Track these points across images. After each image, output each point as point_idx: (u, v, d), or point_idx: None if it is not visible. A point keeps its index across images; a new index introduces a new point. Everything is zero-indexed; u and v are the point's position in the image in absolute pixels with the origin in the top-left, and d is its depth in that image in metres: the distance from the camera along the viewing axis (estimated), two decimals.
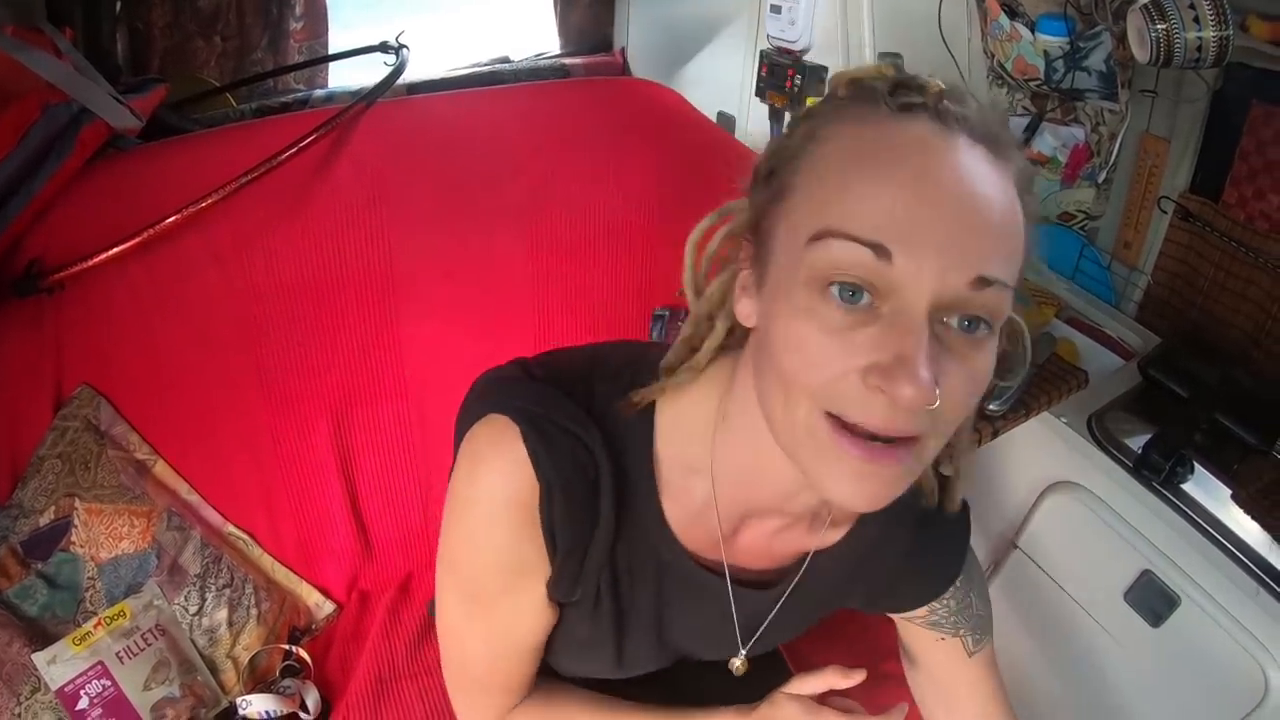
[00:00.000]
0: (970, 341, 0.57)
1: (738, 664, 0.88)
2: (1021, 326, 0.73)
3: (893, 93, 0.58)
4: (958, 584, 0.91)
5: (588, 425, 0.73)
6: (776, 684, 0.86)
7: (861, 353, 0.55)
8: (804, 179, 0.60)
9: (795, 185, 0.60)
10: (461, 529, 0.75)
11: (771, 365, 0.60)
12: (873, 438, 0.57)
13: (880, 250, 0.54)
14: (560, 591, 0.78)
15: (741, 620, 0.84)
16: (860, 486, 0.59)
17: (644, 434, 0.75)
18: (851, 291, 0.55)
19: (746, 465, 0.73)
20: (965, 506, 0.88)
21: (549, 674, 0.93)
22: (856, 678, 0.82)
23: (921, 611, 0.92)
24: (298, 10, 1.66)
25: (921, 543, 0.86)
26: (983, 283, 0.55)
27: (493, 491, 0.72)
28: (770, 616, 0.85)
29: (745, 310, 0.67)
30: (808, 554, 0.83)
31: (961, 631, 0.92)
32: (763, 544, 0.81)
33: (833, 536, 0.83)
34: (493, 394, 0.75)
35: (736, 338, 0.73)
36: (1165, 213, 1.58)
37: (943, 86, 0.58)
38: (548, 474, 0.70)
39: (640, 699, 0.93)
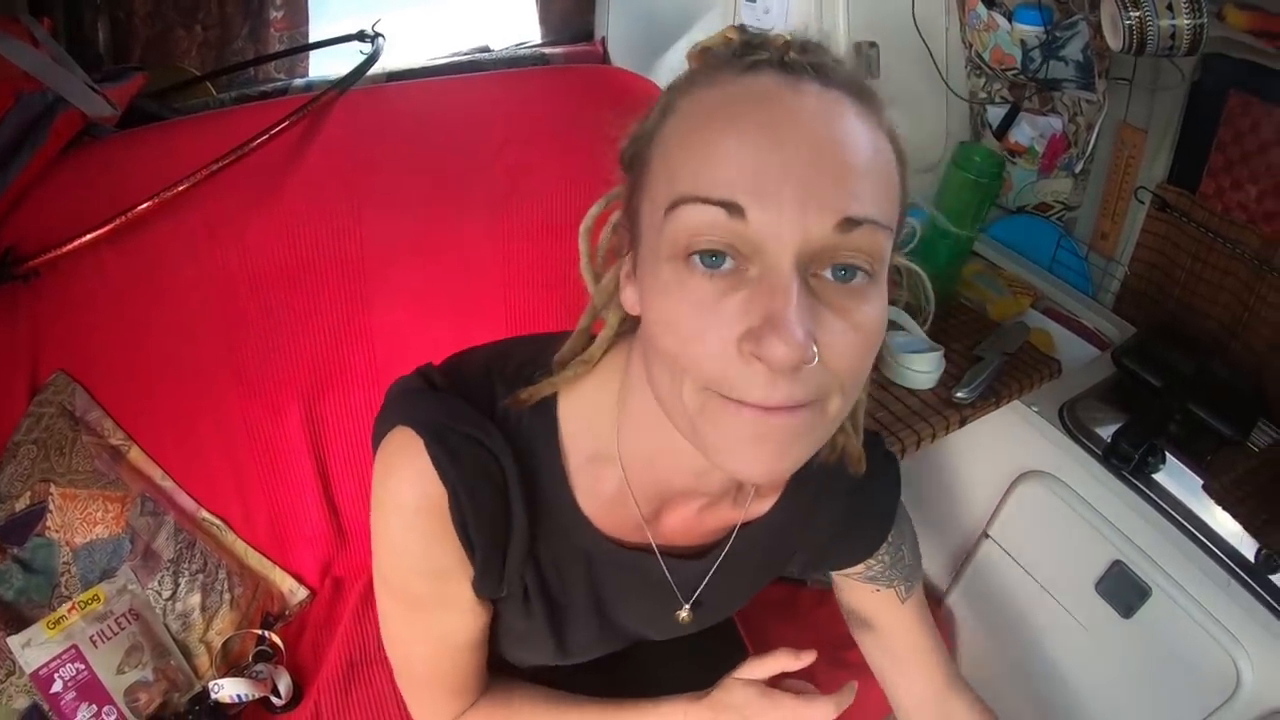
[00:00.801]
0: (849, 291, 0.54)
1: (683, 615, 0.87)
2: (918, 272, 0.72)
3: (738, 53, 0.57)
4: (890, 539, 0.92)
5: (489, 428, 0.73)
6: (736, 661, 0.88)
7: (733, 321, 0.53)
8: (658, 153, 0.58)
9: (651, 162, 0.59)
10: (382, 539, 0.76)
11: (654, 349, 0.59)
12: (767, 408, 0.55)
13: (732, 208, 0.52)
14: (486, 589, 0.78)
15: (679, 584, 0.85)
16: (759, 454, 0.56)
17: (547, 429, 0.75)
18: (713, 256, 0.53)
19: (653, 450, 0.73)
20: (894, 460, 0.91)
21: (505, 666, 0.94)
22: (807, 659, 0.84)
23: (859, 568, 0.93)
24: (278, 0, 1.66)
25: (855, 505, 0.87)
26: (850, 224, 0.52)
27: (402, 501, 0.72)
28: (707, 579, 0.85)
29: (629, 299, 0.66)
30: (737, 526, 0.84)
31: (895, 582, 0.93)
32: (690, 522, 0.81)
33: (761, 507, 0.84)
34: (397, 406, 0.75)
35: (631, 324, 0.72)
36: (1142, 203, 1.58)
37: (789, 38, 0.58)
38: (452, 480, 0.70)
39: (596, 686, 0.94)
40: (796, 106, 0.54)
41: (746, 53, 0.57)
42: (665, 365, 0.58)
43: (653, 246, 0.58)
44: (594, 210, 0.70)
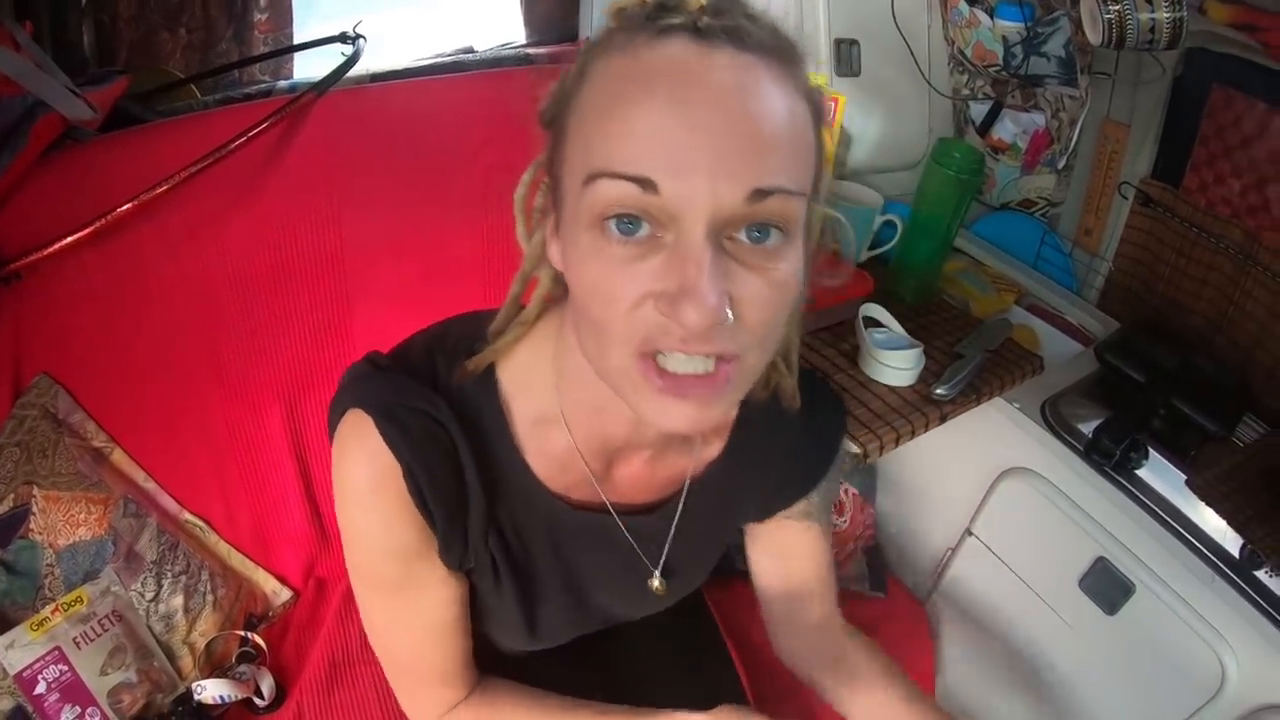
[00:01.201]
0: (763, 252, 0.57)
1: (655, 584, 0.89)
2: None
3: (651, 15, 0.57)
4: (829, 473, 0.95)
5: (434, 400, 0.74)
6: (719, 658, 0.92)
7: (649, 283, 0.56)
8: (574, 121, 0.60)
9: (569, 129, 0.60)
10: (347, 526, 0.77)
11: (579, 312, 0.62)
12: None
13: (645, 183, 0.54)
14: (453, 559, 0.79)
15: (643, 546, 0.87)
16: (681, 411, 0.60)
17: (490, 397, 0.77)
18: (629, 222, 0.56)
19: (591, 405, 0.75)
20: (829, 392, 0.96)
21: (493, 666, 0.94)
22: None
23: (800, 505, 0.95)
24: (262, 2, 1.67)
25: (799, 439, 0.89)
26: (760, 194, 0.54)
27: (358, 483, 0.73)
28: (671, 535, 0.87)
29: (555, 255, 0.68)
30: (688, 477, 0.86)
31: (821, 515, 0.96)
32: (643, 476, 0.84)
33: (710, 452, 0.86)
34: (346, 392, 0.76)
35: (562, 289, 0.73)
36: (1126, 199, 1.58)
37: (703, 1, 0.57)
38: (404, 453, 0.71)
39: (586, 685, 0.94)
40: (708, 78, 0.54)
41: (660, 15, 0.57)
42: (591, 327, 0.61)
43: (572, 213, 0.59)
44: (526, 178, 0.71)
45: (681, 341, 0.57)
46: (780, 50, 0.58)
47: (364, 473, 0.72)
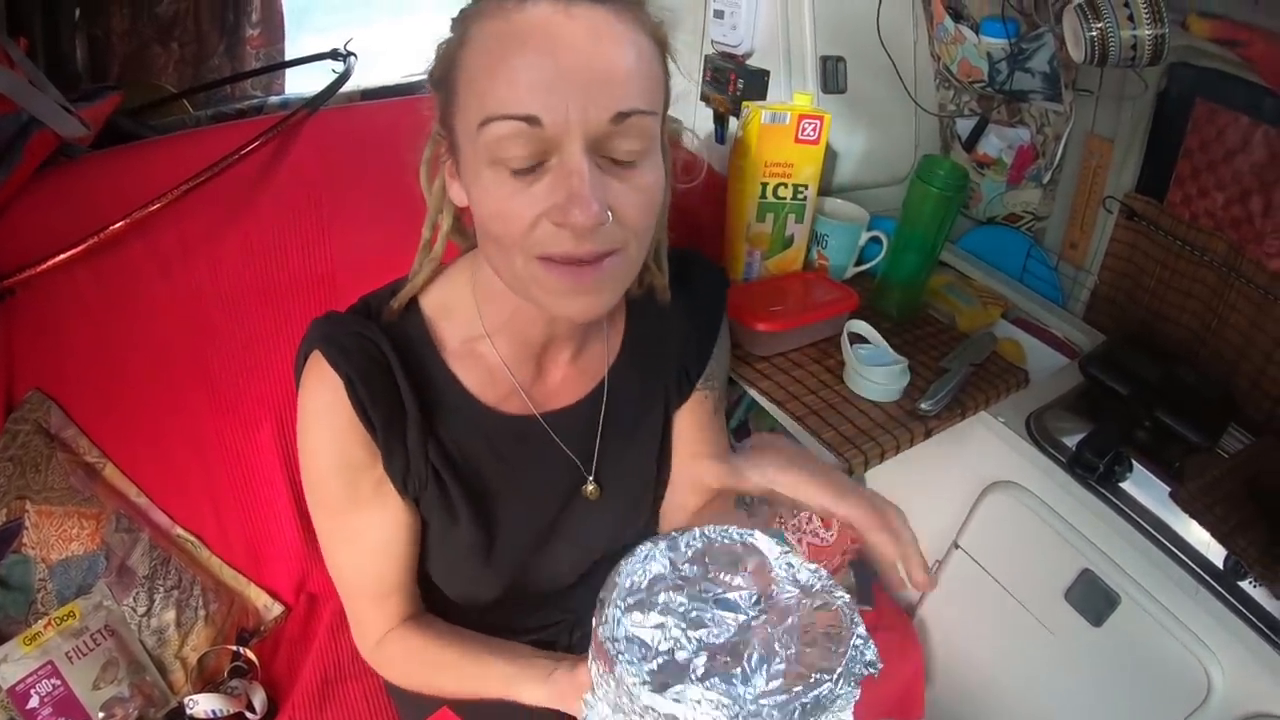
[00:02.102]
0: (630, 164, 0.71)
1: (589, 489, 0.99)
2: (683, 125, 0.96)
3: None
4: (721, 339, 1.07)
5: (368, 325, 0.86)
6: None
7: (540, 200, 0.69)
8: (463, 79, 0.71)
9: (459, 86, 0.72)
10: (304, 450, 0.87)
11: (486, 235, 0.76)
12: (580, 262, 0.72)
13: (530, 120, 0.66)
14: (396, 472, 0.88)
15: (574, 447, 0.98)
16: (579, 300, 0.75)
17: (417, 324, 0.90)
18: (519, 159, 0.68)
19: (507, 314, 0.87)
20: (705, 261, 1.08)
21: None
22: None
23: (710, 368, 1.06)
24: (254, 17, 1.68)
25: (690, 306, 1.02)
26: (621, 116, 0.68)
27: (311, 404, 0.84)
28: (600, 430, 0.98)
29: (456, 193, 0.82)
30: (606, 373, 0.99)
31: (714, 382, 1.08)
32: (570, 376, 0.97)
33: (615, 341, 1.00)
34: (301, 345, 0.87)
35: (462, 230, 0.90)
36: (1111, 212, 1.58)
37: None
38: (343, 367, 0.82)
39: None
40: (570, 30, 0.67)
41: None
42: (497, 246, 0.75)
43: (471, 155, 0.73)
44: (427, 153, 0.85)
45: (573, 243, 0.70)
46: (626, 1, 0.71)
47: (316, 396, 0.83)
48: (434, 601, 1.00)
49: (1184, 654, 1.21)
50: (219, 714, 1.25)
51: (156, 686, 1.27)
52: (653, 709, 0.60)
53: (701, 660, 0.63)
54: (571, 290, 0.74)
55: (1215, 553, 1.23)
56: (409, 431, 0.87)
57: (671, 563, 0.70)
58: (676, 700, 0.59)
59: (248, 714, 1.27)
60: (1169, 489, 1.28)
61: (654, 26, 0.74)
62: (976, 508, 1.48)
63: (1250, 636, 1.16)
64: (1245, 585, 1.20)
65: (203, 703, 1.25)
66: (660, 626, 0.65)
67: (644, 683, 0.60)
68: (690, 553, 0.71)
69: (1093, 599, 1.31)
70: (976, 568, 1.50)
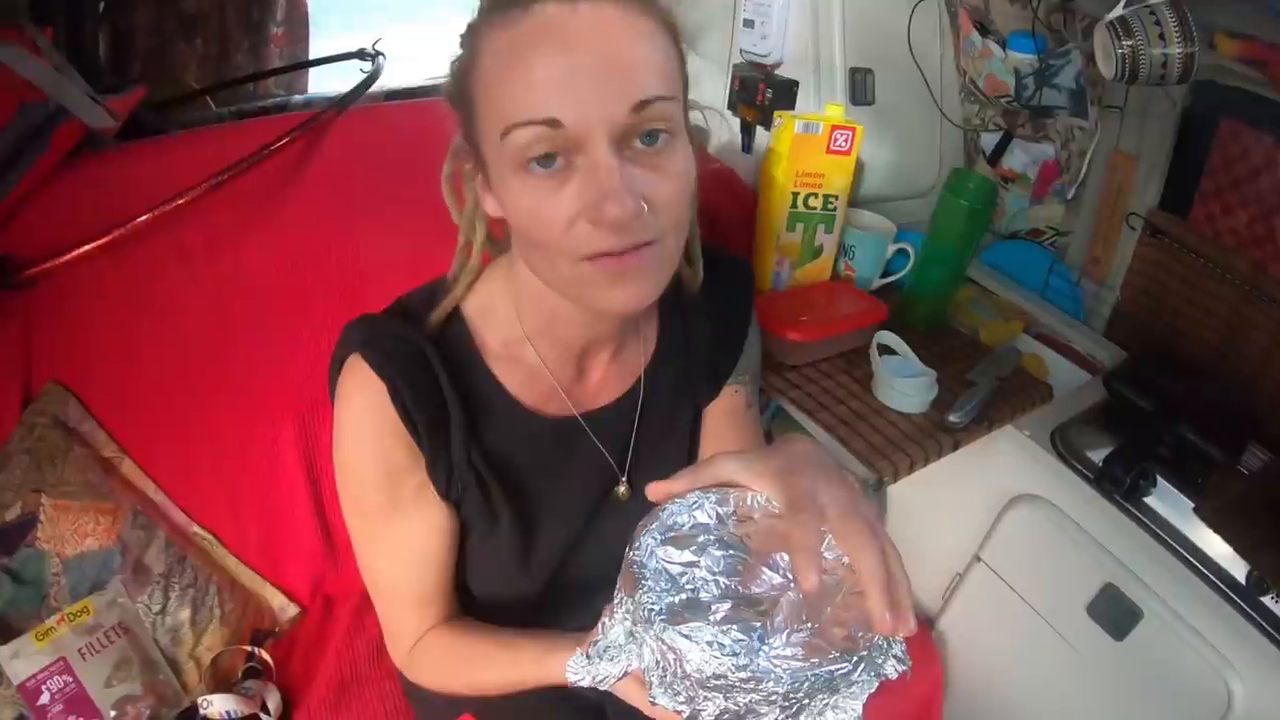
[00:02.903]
0: (656, 152, 0.70)
1: (621, 490, 0.99)
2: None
3: None
4: (750, 335, 1.07)
5: (409, 328, 0.86)
6: None
7: (574, 202, 0.69)
8: (480, 91, 0.71)
9: (476, 98, 0.72)
10: (342, 458, 0.86)
11: (525, 240, 0.76)
12: (621, 254, 0.71)
13: (551, 123, 0.66)
14: (439, 476, 0.87)
15: (610, 445, 0.97)
16: (624, 291, 0.74)
17: (458, 327, 0.89)
18: (546, 159, 0.68)
19: (548, 316, 0.87)
20: (737, 262, 1.07)
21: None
22: None
23: (741, 363, 1.06)
24: (279, 15, 1.67)
25: (719, 307, 1.02)
26: (642, 104, 0.67)
27: (353, 409, 0.83)
28: (635, 427, 0.98)
29: (490, 205, 0.80)
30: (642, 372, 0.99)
31: (745, 379, 1.08)
32: (609, 375, 0.96)
33: (651, 337, 1.00)
34: (337, 348, 0.87)
35: (506, 239, 0.89)
36: (1134, 229, 1.59)
37: None
38: (387, 372, 0.81)
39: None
40: (577, 29, 0.67)
41: None
42: (539, 251, 0.74)
43: (498, 165, 0.72)
44: (447, 169, 0.85)
45: (613, 239, 0.69)
46: None
47: (357, 401, 0.83)
48: (463, 603, 1.00)
49: (1205, 669, 1.21)
50: (233, 715, 1.23)
51: (170, 686, 1.25)
52: (662, 640, 0.58)
53: (725, 606, 0.61)
54: (616, 279, 0.73)
55: (1238, 568, 1.23)
56: (453, 436, 0.86)
57: (719, 516, 0.68)
58: (688, 637, 0.58)
59: (262, 715, 1.25)
60: (1192, 504, 1.28)
61: (663, 14, 0.73)
62: (999, 521, 1.47)
63: (1272, 652, 1.16)
64: (1267, 601, 1.20)
65: (217, 703, 1.22)
66: (692, 565, 0.64)
67: (659, 613, 0.60)
68: (741, 511, 0.69)
69: (1115, 613, 1.31)
70: (998, 580, 1.49)
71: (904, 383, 1.33)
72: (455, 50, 0.75)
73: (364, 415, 0.82)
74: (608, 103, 0.66)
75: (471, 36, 0.72)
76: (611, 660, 0.64)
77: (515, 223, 0.75)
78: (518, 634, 0.92)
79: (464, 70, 0.73)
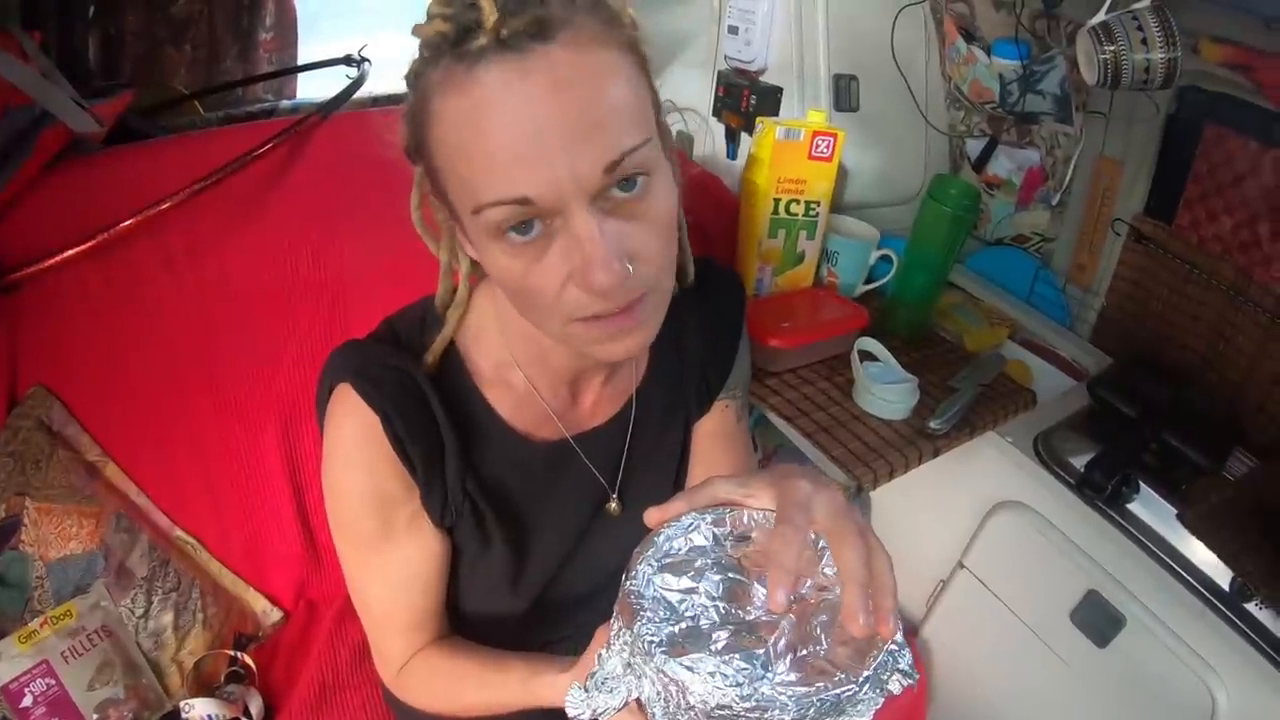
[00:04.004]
0: (637, 198, 0.66)
1: (612, 507, 0.97)
2: (682, 139, 0.86)
3: (456, 42, 0.62)
4: (741, 348, 1.04)
5: (401, 356, 0.84)
6: None
7: (558, 270, 0.66)
8: (443, 161, 0.67)
9: (442, 168, 0.68)
10: (332, 485, 0.84)
11: (514, 299, 0.73)
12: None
13: (522, 201, 0.62)
14: (434, 505, 0.85)
15: (601, 466, 0.95)
16: (621, 344, 0.72)
17: (451, 352, 0.87)
18: (522, 227, 0.65)
19: (537, 351, 0.86)
20: (727, 273, 1.05)
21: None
22: None
23: (732, 377, 1.04)
24: (268, 21, 1.68)
25: (709, 317, 1.00)
26: (614, 164, 0.63)
27: (343, 439, 0.81)
28: (627, 446, 0.96)
29: (471, 252, 0.78)
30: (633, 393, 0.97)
31: (736, 393, 1.06)
32: (601, 398, 0.94)
33: (642, 358, 0.98)
34: (325, 374, 0.84)
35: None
36: (1119, 235, 1.59)
37: (495, 12, 0.60)
38: (379, 403, 0.79)
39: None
40: (531, 92, 0.61)
41: (464, 40, 0.62)
42: (529, 310, 0.73)
43: (474, 231, 0.69)
44: (416, 213, 0.81)
45: (604, 303, 0.67)
46: (580, 24, 0.63)
47: (348, 431, 0.80)
48: (451, 621, 0.98)
49: (1189, 676, 1.20)
50: (215, 719, 1.23)
51: (152, 689, 1.25)
52: (664, 673, 0.57)
53: (725, 634, 0.60)
54: (613, 337, 0.71)
55: (1221, 574, 1.23)
56: (448, 465, 0.84)
57: (715, 538, 0.66)
58: (689, 669, 0.57)
59: None
60: (1176, 511, 1.28)
61: (623, 36, 0.67)
62: (982, 527, 1.47)
63: (1256, 659, 1.16)
64: (1251, 607, 1.20)
65: (199, 707, 1.23)
66: (690, 592, 0.63)
67: (660, 644, 0.58)
68: (737, 531, 0.67)
69: (1098, 620, 1.31)
70: (981, 587, 1.49)
71: (885, 389, 1.33)
72: (406, 93, 0.70)
73: (355, 445, 0.80)
74: (579, 169, 0.62)
75: (419, 88, 0.67)
76: (610, 692, 0.63)
77: (502, 285, 0.73)
78: (505, 656, 0.91)
79: (418, 128, 0.68)
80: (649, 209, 0.67)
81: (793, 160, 1.43)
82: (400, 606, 0.91)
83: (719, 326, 1.02)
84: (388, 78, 1.70)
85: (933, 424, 1.30)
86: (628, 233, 0.66)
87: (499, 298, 0.84)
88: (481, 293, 0.88)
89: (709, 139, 1.66)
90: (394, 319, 0.90)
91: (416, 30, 0.65)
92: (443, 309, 0.86)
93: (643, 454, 0.98)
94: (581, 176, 0.62)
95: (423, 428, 0.81)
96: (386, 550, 0.86)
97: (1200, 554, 1.25)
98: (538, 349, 0.85)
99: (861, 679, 0.57)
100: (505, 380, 0.88)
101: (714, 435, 1.04)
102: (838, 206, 1.68)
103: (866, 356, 1.40)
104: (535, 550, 0.94)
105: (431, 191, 0.74)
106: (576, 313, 0.68)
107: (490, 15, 0.60)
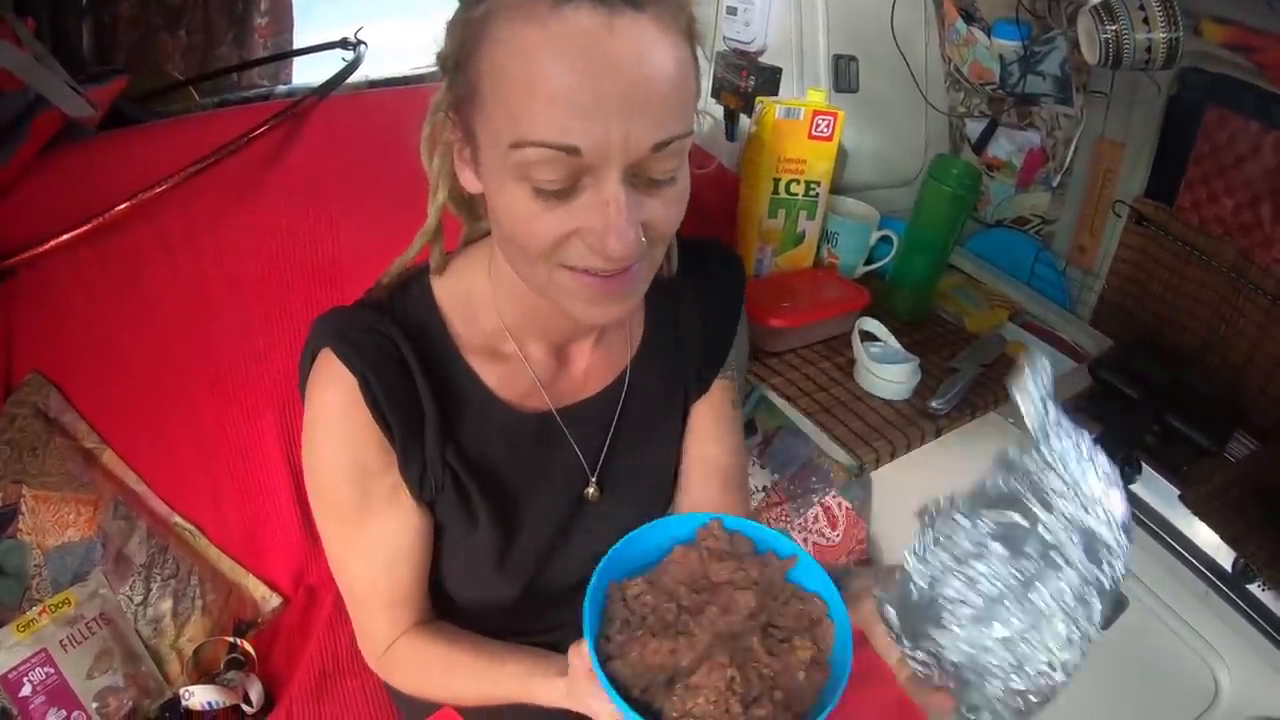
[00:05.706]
0: (662, 182, 0.68)
1: (590, 492, 0.95)
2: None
3: None
4: (740, 328, 1.04)
5: (381, 319, 0.83)
6: None
7: (571, 219, 0.67)
8: (490, 86, 0.66)
9: (484, 91, 0.66)
10: (311, 454, 0.84)
11: (506, 236, 0.72)
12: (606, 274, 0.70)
13: (569, 149, 0.63)
14: (413, 475, 0.84)
15: (585, 446, 0.94)
16: (603, 309, 0.73)
17: (433, 315, 0.86)
18: (552, 183, 0.65)
19: (529, 308, 0.84)
20: (728, 254, 1.05)
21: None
22: None
23: (730, 357, 1.04)
24: (262, 6, 1.67)
25: (708, 295, 1.00)
26: (660, 146, 0.65)
27: (323, 405, 0.80)
28: (615, 422, 0.95)
29: (468, 179, 0.76)
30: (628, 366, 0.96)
31: (732, 372, 1.05)
32: (592, 363, 0.94)
33: (637, 330, 0.97)
34: (309, 341, 0.84)
35: (466, 209, 0.87)
36: (1120, 217, 1.59)
37: None
38: (358, 366, 0.78)
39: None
40: (613, 47, 0.62)
41: None
42: (518, 249, 0.72)
43: (495, 165, 0.68)
44: (427, 130, 0.79)
45: (603, 263, 0.68)
46: (662, 2, 0.65)
47: (329, 398, 0.79)
48: (438, 605, 0.97)
49: (1191, 657, 1.21)
50: (215, 706, 1.23)
51: (151, 677, 1.25)
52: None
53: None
54: (598, 299, 0.72)
55: (1224, 556, 1.23)
56: (427, 433, 0.83)
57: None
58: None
59: (244, 706, 1.25)
60: (1178, 492, 1.28)
61: (689, 22, 0.69)
62: None
63: (1258, 640, 1.16)
64: (1254, 589, 1.20)
65: (198, 694, 1.22)
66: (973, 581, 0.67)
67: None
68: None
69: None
70: None
71: (886, 369, 1.32)
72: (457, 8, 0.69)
73: (333, 412, 0.79)
74: (630, 138, 0.63)
75: (483, 5, 0.65)
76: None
77: (501, 221, 0.72)
78: (501, 649, 0.90)
79: (470, 43, 0.66)
80: (672, 192, 0.70)
81: (793, 140, 1.43)
82: (381, 582, 0.89)
83: (719, 304, 1.02)
84: (385, 65, 1.70)
85: (934, 404, 1.30)
86: (648, 206, 0.68)
87: (495, 256, 0.83)
88: (474, 256, 0.88)
89: (707, 119, 1.66)
90: (375, 286, 0.90)
91: None
92: (427, 234, 0.86)
93: (634, 434, 0.97)
94: (631, 146, 0.63)
95: (402, 392, 0.81)
96: (366, 522, 0.85)
97: (1203, 535, 1.25)
98: (527, 308, 0.84)
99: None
100: (493, 348, 0.87)
101: (708, 415, 1.03)
102: (838, 188, 1.67)
103: (867, 337, 1.40)
104: (523, 529, 0.92)
105: (451, 108, 0.73)
106: (571, 259, 0.69)
107: None
